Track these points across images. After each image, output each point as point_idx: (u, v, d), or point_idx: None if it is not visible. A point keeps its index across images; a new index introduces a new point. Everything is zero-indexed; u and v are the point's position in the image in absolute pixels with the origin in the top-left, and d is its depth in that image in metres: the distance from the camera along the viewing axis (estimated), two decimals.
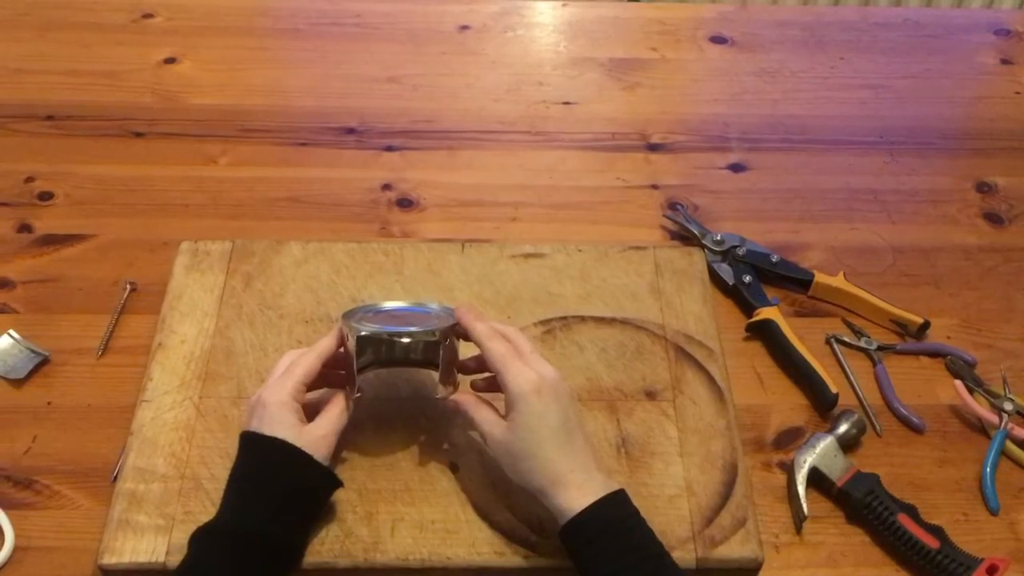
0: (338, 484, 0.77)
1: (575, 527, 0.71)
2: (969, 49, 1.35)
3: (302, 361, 0.78)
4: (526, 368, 0.75)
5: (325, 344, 0.80)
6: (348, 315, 0.81)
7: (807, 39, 1.34)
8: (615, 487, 0.74)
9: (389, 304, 0.85)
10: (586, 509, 0.71)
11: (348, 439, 0.82)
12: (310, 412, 0.79)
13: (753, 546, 0.80)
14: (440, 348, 0.78)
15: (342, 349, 0.81)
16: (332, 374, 0.82)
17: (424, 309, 0.84)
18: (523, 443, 0.74)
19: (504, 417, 0.76)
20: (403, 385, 0.88)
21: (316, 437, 0.76)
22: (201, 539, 0.72)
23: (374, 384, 0.86)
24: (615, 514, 0.73)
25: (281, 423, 0.75)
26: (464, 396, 0.80)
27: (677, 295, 0.96)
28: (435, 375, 0.79)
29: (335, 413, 0.78)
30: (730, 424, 0.87)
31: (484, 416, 0.77)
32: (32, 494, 0.85)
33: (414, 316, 0.83)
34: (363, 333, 0.77)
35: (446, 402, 0.80)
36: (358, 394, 0.78)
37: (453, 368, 0.82)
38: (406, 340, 0.78)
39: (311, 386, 0.79)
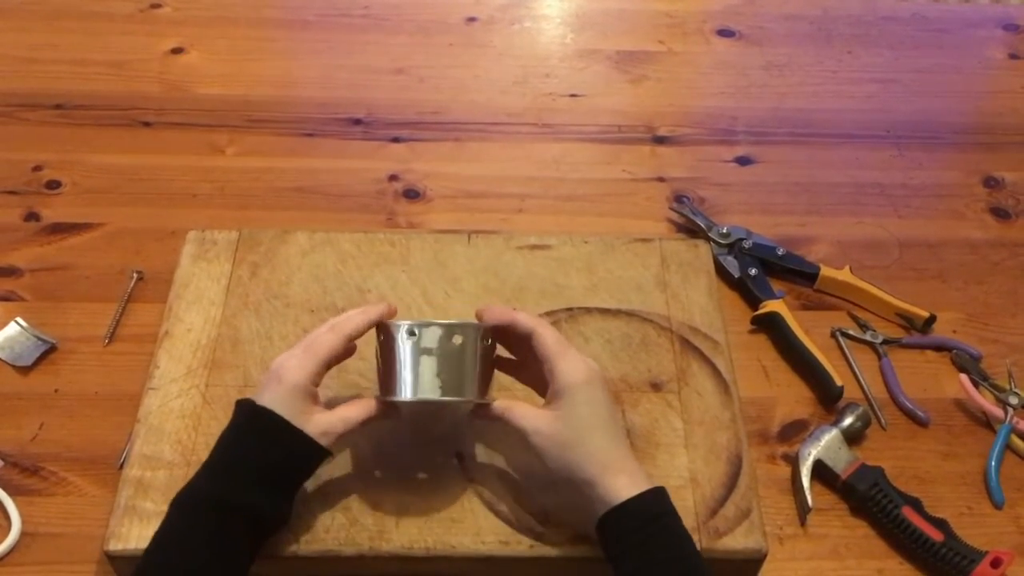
0: (326, 454, 0.74)
1: (622, 514, 0.70)
2: (977, 44, 1.35)
3: (326, 340, 0.75)
4: (576, 357, 0.75)
5: (354, 324, 0.76)
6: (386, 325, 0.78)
7: (815, 33, 1.34)
8: (657, 484, 0.73)
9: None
10: (634, 497, 0.71)
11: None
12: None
13: (757, 537, 0.80)
14: (487, 334, 0.77)
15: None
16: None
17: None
18: (574, 432, 0.73)
19: (545, 408, 0.75)
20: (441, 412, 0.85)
21: (318, 432, 0.73)
22: (182, 506, 0.71)
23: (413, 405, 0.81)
24: (660, 508, 0.72)
25: (290, 407, 0.73)
26: (497, 405, 0.77)
27: (683, 287, 0.96)
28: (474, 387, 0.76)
29: (351, 414, 0.75)
30: (735, 416, 0.87)
31: (525, 412, 0.75)
32: (39, 480, 0.85)
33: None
34: (410, 323, 0.75)
35: (483, 412, 0.78)
36: (401, 398, 0.75)
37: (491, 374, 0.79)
38: (453, 325, 0.76)
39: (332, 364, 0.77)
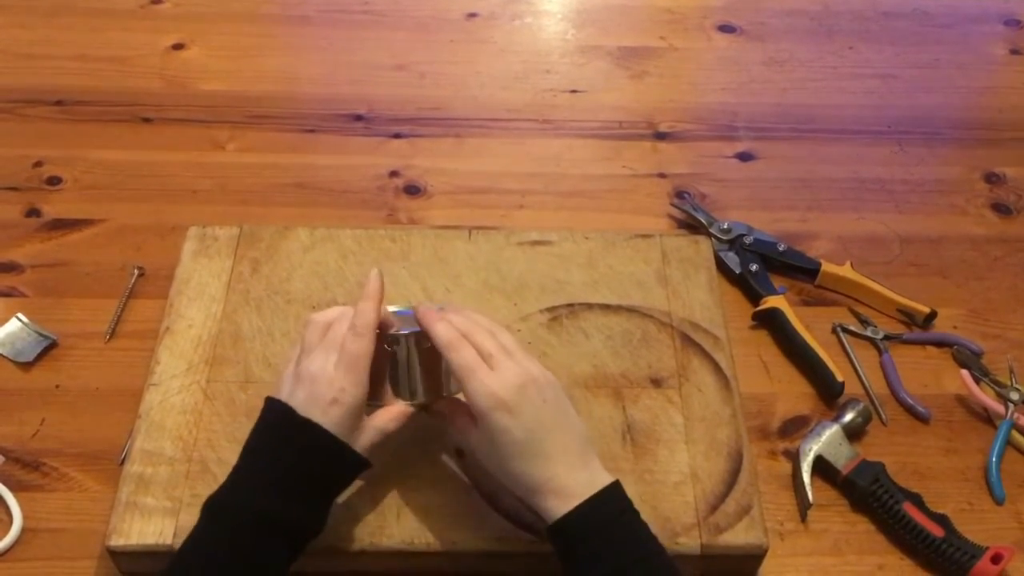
0: (368, 466, 0.74)
1: (556, 535, 0.70)
2: (979, 39, 1.35)
3: (362, 348, 0.73)
4: (489, 378, 0.71)
5: (370, 317, 0.74)
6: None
7: (816, 28, 1.34)
8: (603, 483, 0.70)
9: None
10: (564, 516, 0.69)
11: None
12: None
13: (758, 533, 0.80)
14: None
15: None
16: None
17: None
18: (494, 458, 0.72)
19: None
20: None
21: (365, 447, 0.73)
22: (224, 515, 0.70)
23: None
24: (596, 520, 0.70)
25: (346, 426, 0.72)
26: (442, 404, 0.78)
27: (684, 283, 0.96)
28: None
29: (387, 426, 0.75)
30: (736, 412, 0.87)
31: (460, 426, 0.75)
32: (40, 476, 0.85)
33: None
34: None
35: (435, 413, 0.78)
36: (422, 400, 0.77)
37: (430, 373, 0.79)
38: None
39: None
